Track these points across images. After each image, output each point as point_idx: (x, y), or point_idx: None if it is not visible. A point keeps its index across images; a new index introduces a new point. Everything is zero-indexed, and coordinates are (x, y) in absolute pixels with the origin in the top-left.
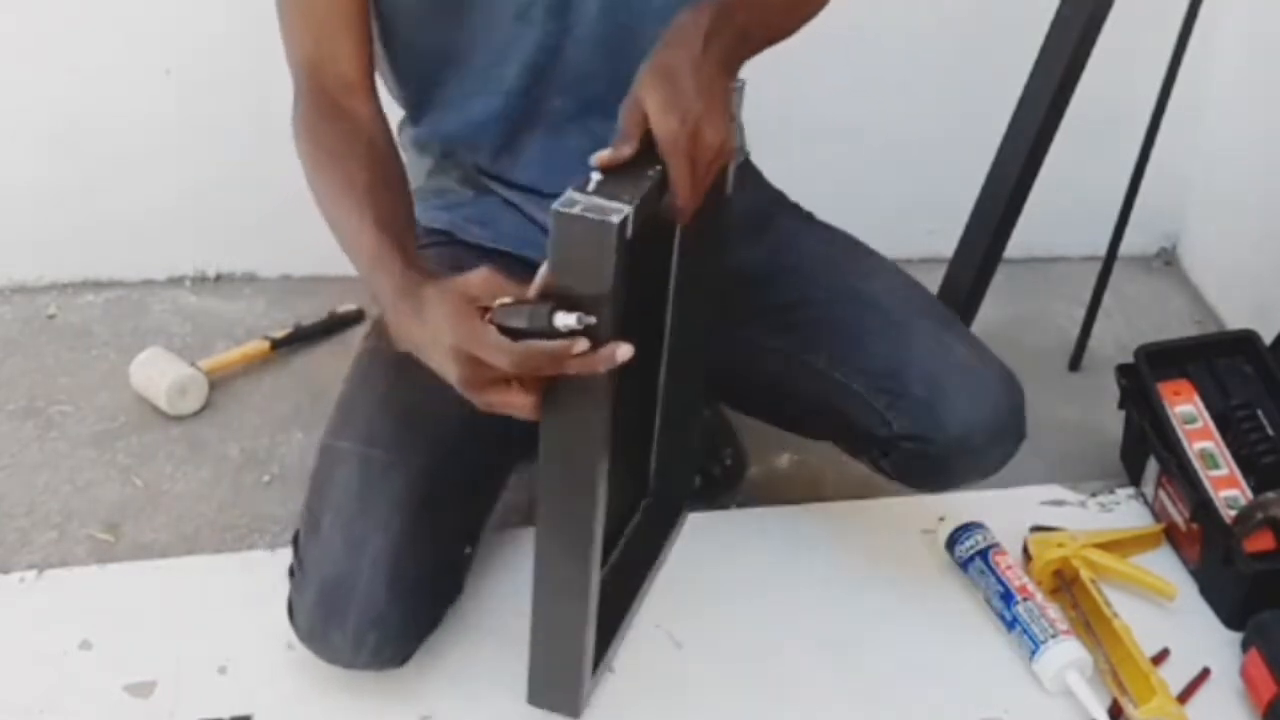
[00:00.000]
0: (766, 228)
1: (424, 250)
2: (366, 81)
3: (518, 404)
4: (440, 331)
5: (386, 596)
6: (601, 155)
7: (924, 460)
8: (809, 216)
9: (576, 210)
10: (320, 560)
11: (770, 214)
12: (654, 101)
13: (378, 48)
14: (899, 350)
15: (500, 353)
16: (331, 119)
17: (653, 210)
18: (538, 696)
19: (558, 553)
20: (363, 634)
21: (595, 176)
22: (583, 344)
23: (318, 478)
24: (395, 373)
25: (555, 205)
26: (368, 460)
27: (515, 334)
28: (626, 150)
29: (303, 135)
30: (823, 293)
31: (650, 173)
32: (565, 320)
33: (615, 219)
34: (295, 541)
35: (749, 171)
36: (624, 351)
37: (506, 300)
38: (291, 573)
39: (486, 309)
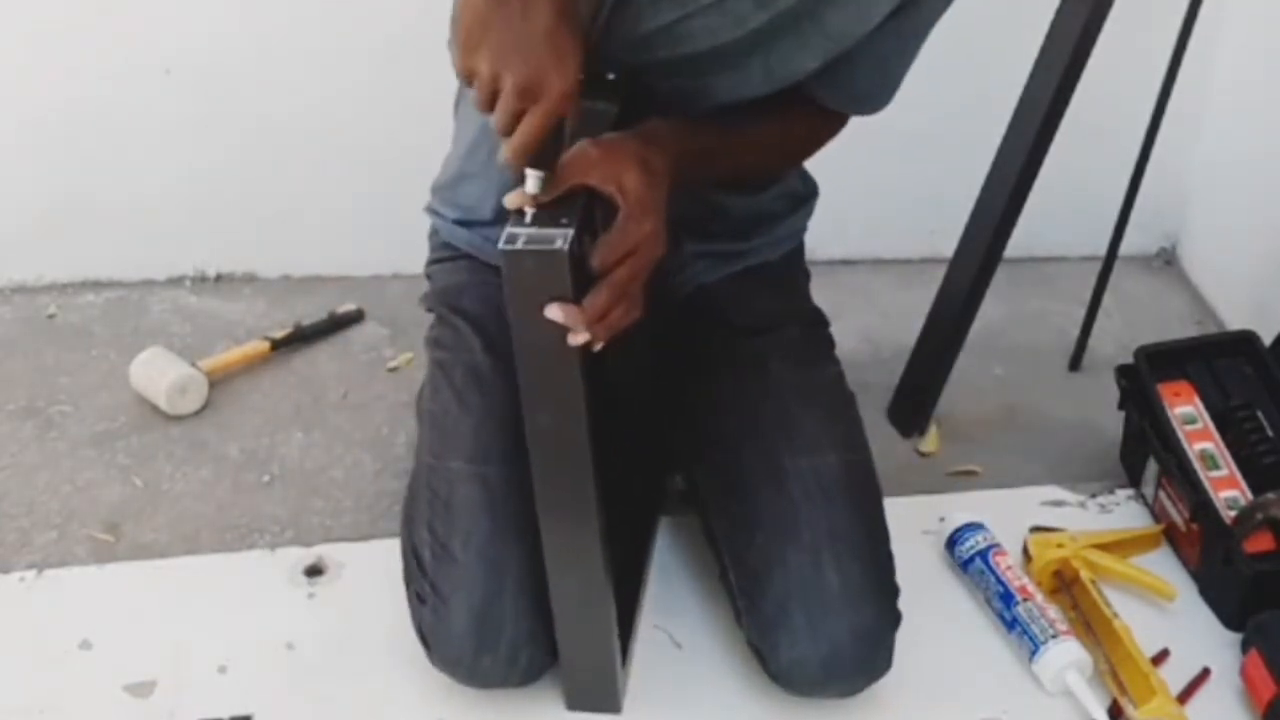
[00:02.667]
0: (758, 368)
1: (442, 264)
2: None
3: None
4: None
5: (534, 615)
6: (529, 195)
7: (765, 670)
8: (806, 349)
9: (521, 245)
10: (461, 587)
11: (765, 350)
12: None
13: None
14: (773, 554)
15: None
16: None
17: (589, 229)
18: (576, 700)
19: (565, 554)
20: (515, 655)
21: (529, 209)
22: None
23: (435, 501)
24: (484, 386)
25: (500, 245)
26: (485, 479)
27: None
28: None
29: None
30: (752, 456)
31: (579, 200)
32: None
33: (562, 244)
34: (418, 565)
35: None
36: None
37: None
38: (421, 599)
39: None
